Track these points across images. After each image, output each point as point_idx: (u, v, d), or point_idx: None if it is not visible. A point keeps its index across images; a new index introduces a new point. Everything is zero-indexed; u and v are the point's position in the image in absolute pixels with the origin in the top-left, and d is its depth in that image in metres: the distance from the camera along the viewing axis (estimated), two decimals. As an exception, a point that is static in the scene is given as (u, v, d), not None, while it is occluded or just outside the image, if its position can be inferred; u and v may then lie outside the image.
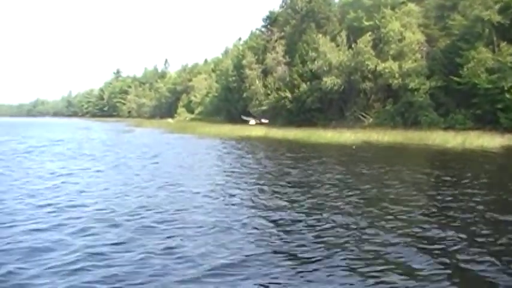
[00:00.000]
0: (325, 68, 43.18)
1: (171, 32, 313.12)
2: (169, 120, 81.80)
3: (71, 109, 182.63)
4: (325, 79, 42.29)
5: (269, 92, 51.67)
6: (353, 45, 42.05)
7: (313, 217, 9.43)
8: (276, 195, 11.95)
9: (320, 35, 46.16)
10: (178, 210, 10.14)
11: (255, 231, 8.50)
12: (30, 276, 6.23)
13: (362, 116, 40.61)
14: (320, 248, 7.44)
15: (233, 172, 17.05)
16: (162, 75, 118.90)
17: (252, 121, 17.10)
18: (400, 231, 8.24)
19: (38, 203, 10.82)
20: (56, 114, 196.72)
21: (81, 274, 6.36)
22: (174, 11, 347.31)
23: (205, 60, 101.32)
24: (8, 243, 7.72)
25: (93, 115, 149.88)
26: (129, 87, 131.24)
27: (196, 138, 38.91)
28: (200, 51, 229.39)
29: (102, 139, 39.38)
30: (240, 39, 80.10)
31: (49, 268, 6.55)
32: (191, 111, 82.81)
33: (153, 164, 19.43)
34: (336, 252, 7.22)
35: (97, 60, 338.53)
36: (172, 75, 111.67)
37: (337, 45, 44.47)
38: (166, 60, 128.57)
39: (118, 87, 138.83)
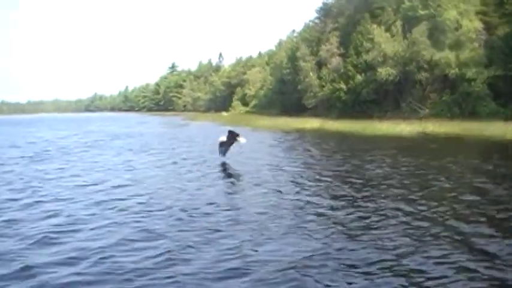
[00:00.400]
0: (379, 59, 43.05)
1: (225, 25, 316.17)
2: (224, 113, 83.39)
3: (128, 104, 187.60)
4: (380, 70, 42.19)
5: (323, 83, 52.01)
6: (408, 35, 41.64)
7: (393, 209, 9.59)
8: (350, 188, 12.16)
9: (374, 25, 45.86)
10: (249, 204, 10.55)
11: (338, 226, 8.64)
12: (133, 269, 6.73)
13: (418, 107, 40.28)
14: (408, 238, 7.66)
15: (297, 164, 17.31)
16: (217, 69, 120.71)
17: (224, 137, 17.36)
18: (488, 223, 8.42)
19: (118, 197, 11.60)
20: (113, 109, 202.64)
21: (175, 265, 6.83)
22: (227, 4, 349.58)
23: (259, 53, 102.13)
24: (102, 234, 8.38)
25: (149, 109, 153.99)
26: (184, 81, 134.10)
27: (252, 131, 39.52)
28: (254, 43, 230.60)
29: (160, 133, 40.77)
30: (293, 31, 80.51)
31: (145, 259, 7.09)
32: (245, 105, 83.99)
33: (214, 158, 19.75)
34: (425, 243, 7.46)
35: (153, 55, 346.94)
36: (226, 68, 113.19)
37: (392, 36, 44.09)
38: (220, 54, 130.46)
39: (173, 81, 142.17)
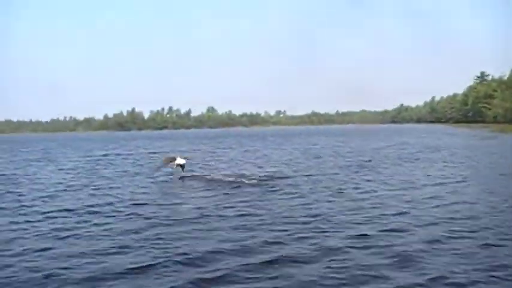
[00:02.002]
0: None
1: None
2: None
3: (434, 115, 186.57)
4: None
5: None
6: None
7: None
8: None
9: None
10: None
11: None
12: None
13: None
14: None
15: None
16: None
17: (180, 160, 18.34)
18: None
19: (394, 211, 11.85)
20: (418, 120, 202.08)
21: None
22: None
23: None
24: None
25: (456, 121, 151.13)
26: (495, 91, 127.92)
27: None
28: None
29: (472, 146, 39.09)
30: None
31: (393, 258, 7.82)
32: None
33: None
34: None
35: (459, 64, 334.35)
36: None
37: None
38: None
39: (482, 91, 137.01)
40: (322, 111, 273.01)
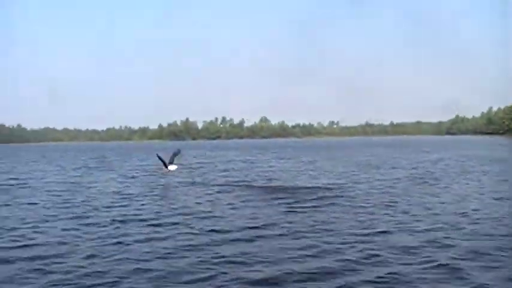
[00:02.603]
0: None
1: None
2: None
3: (491, 126, 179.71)
4: None
5: None
6: None
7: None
8: None
9: None
10: None
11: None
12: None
13: None
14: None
15: None
16: None
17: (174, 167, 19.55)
18: None
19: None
20: (475, 131, 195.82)
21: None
22: None
23: None
24: None
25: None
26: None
27: None
28: None
29: None
30: None
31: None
32: None
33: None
34: None
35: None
36: None
37: None
38: None
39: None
40: (376, 122, 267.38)
